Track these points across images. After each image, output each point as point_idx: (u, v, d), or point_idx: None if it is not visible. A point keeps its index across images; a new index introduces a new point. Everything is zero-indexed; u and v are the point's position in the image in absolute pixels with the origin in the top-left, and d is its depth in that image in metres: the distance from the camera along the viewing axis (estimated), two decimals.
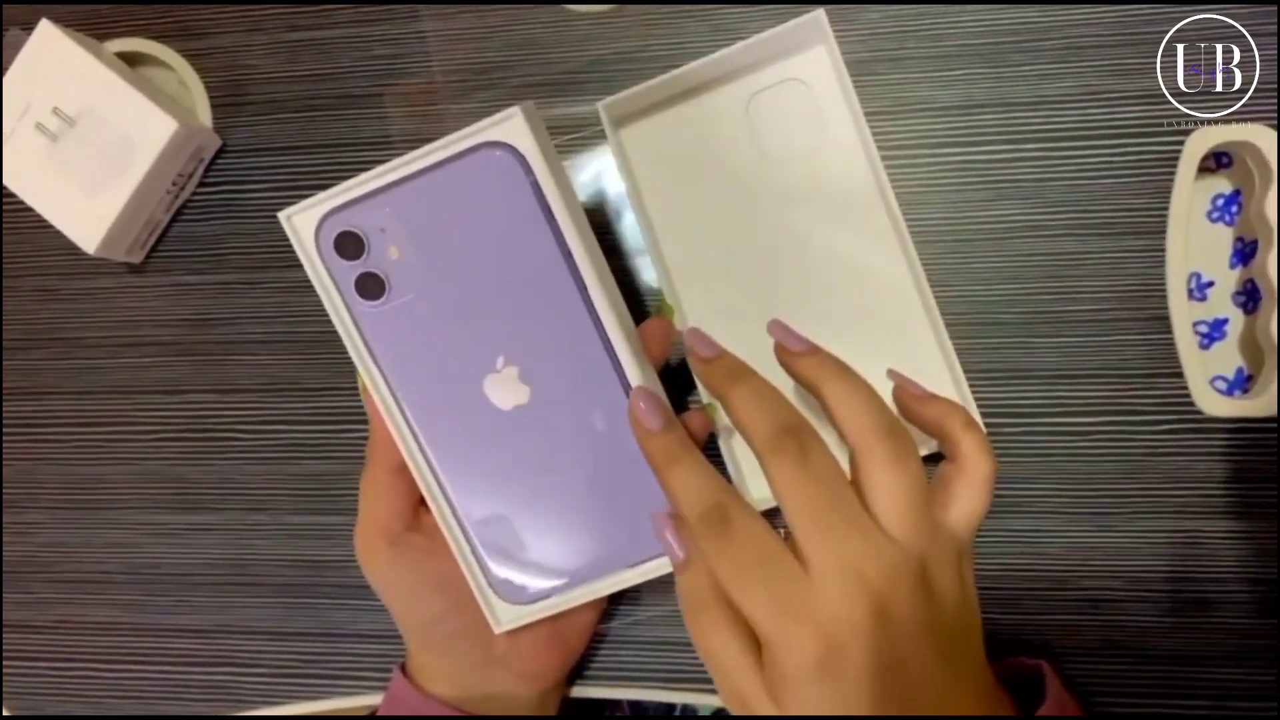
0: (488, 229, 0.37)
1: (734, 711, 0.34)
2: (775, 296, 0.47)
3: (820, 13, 0.45)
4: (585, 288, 0.37)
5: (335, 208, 0.37)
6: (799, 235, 0.47)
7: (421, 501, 0.42)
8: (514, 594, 0.40)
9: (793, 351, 0.37)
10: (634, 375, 0.38)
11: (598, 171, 0.50)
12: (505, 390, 0.38)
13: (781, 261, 0.47)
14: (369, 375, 0.40)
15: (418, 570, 0.42)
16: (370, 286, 0.38)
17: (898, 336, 0.46)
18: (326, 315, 0.48)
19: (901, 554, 0.33)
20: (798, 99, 0.47)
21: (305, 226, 0.39)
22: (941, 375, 0.46)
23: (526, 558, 0.40)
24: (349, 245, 0.37)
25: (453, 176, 0.37)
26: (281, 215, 0.39)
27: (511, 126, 0.37)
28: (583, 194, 0.50)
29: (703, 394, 0.45)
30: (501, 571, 0.40)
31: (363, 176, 0.38)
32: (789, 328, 0.38)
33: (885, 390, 0.38)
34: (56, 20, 0.50)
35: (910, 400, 0.39)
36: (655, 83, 0.46)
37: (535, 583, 0.40)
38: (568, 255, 0.37)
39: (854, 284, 0.47)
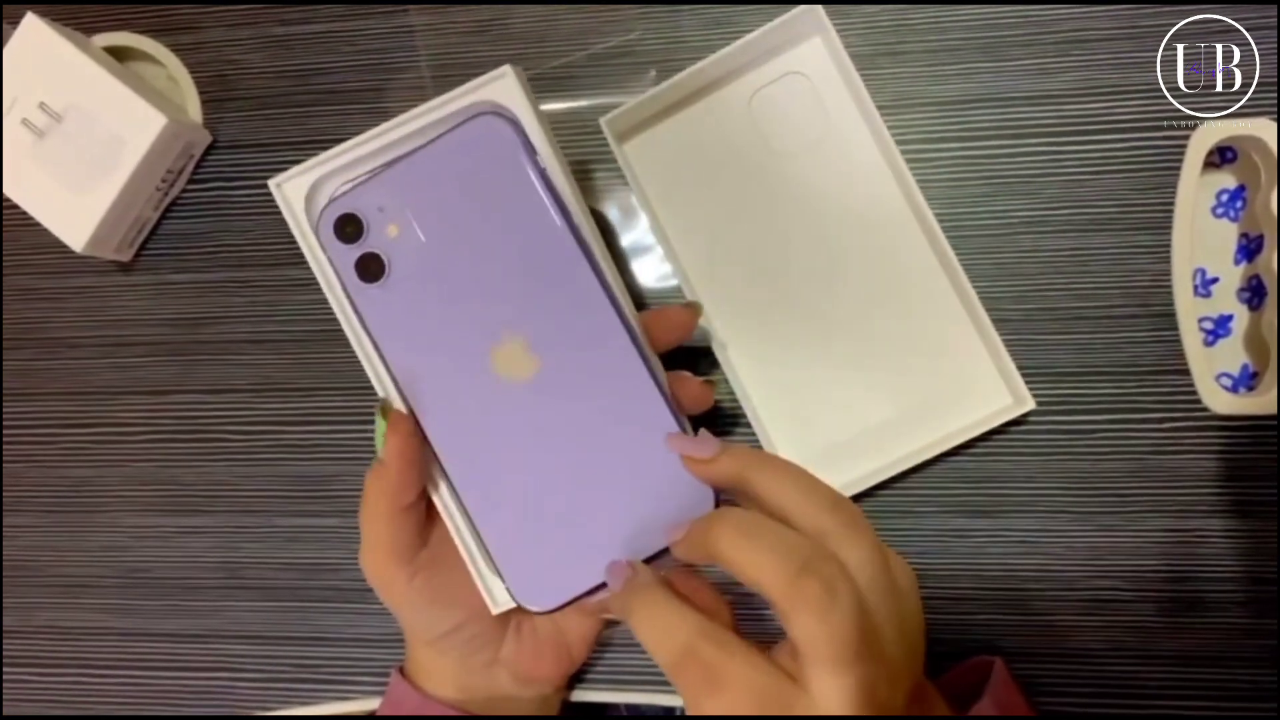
0: (486, 199, 0.36)
1: None
2: (799, 292, 0.47)
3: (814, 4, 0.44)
4: (589, 250, 0.36)
5: (334, 196, 0.37)
6: (816, 228, 0.47)
7: (429, 513, 0.40)
8: (529, 598, 0.38)
9: (705, 459, 0.35)
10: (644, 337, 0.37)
11: (597, 167, 0.49)
12: (514, 364, 0.37)
13: (801, 256, 0.47)
14: (367, 359, 0.39)
15: (434, 587, 0.40)
16: (371, 267, 0.37)
17: (925, 319, 0.46)
18: (318, 314, 0.47)
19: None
20: (800, 92, 0.46)
21: (295, 195, 0.39)
22: (977, 354, 0.45)
23: (544, 543, 0.37)
24: (348, 228, 0.37)
25: (448, 149, 0.36)
26: (271, 183, 0.39)
27: (502, 86, 0.37)
28: (585, 193, 0.49)
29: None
30: (519, 563, 0.38)
31: (352, 141, 0.38)
32: (686, 436, 0.36)
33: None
34: (43, 14, 0.49)
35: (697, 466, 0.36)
36: (655, 92, 0.45)
37: (559, 572, 0.37)
38: (567, 218, 0.36)
39: (876, 270, 0.46)
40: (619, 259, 0.48)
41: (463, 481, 0.37)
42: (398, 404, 0.38)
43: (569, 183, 0.38)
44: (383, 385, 0.39)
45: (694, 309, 0.41)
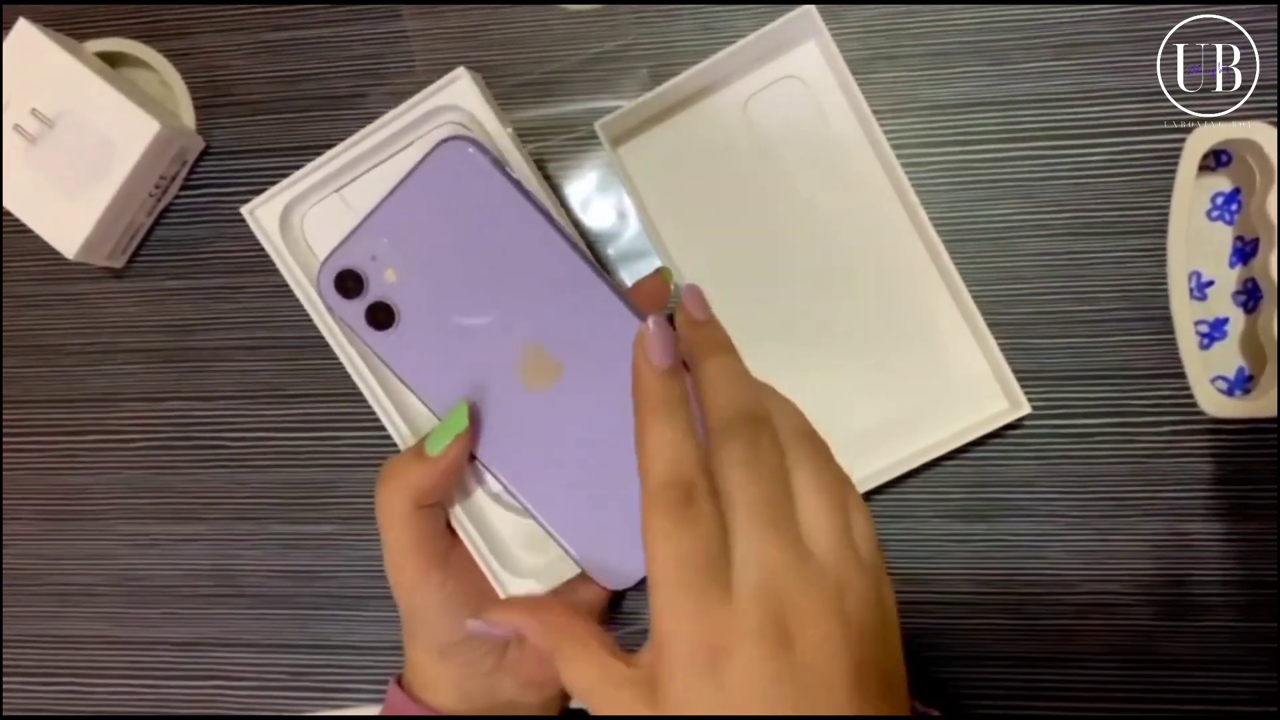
0: (469, 222, 0.37)
1: (596, 707, 0.32)
2: (793, 295, 0.47)
3: (810, 7, 0.44)
4: (576, 244, 0.37)
5: (325, 257, 0.37)
6: (811, 232, 0.46)
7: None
8: (612, 579, 0.39)
9: (700, 320, 0.35)
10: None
11: (591, 172, 0.49)
12: (539, 373, 0.37)
13: (796, 260, 0.47)
14: (379, 404, 0.41)
15: (464, 587, 0.40)
16: (380, 316, 0.37)
17: (921, 323, 0.46)
18: (311, 320, 0.48)
19: (820, 573, 0.31)
20: (795, 96, 0.46)
21: (269, 219, 0.41)
22: (973, 358, 0.45)
23: (614, 528, 0.38)
24: (348, 283, 0.37)
25: (421, 184, 0.36)
26: (244, 210, 0.41)
27: (458, 89, 0.39)
28: (580, 197, 0.49)
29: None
30: (596, 552, 0.38)
31: (319, 160, 0.40)
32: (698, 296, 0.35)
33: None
34: (35, 20, 0.49)
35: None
36: (650, 96, 0.45)
37: (627, 561, 0.38)
38: (550, 219, 0.37)
39: (871, 274, 0.46)
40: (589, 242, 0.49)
41: (525, 492, 0.38)
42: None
43: (536, 179, 0.39)
44: (396, 427, 0.41)
45: (663, 275, 0.41)
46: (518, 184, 0.36)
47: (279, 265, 0.41)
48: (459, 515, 0.41)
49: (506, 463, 0.38)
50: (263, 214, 0.41)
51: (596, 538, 0.38)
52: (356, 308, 0.37)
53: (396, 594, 0.41)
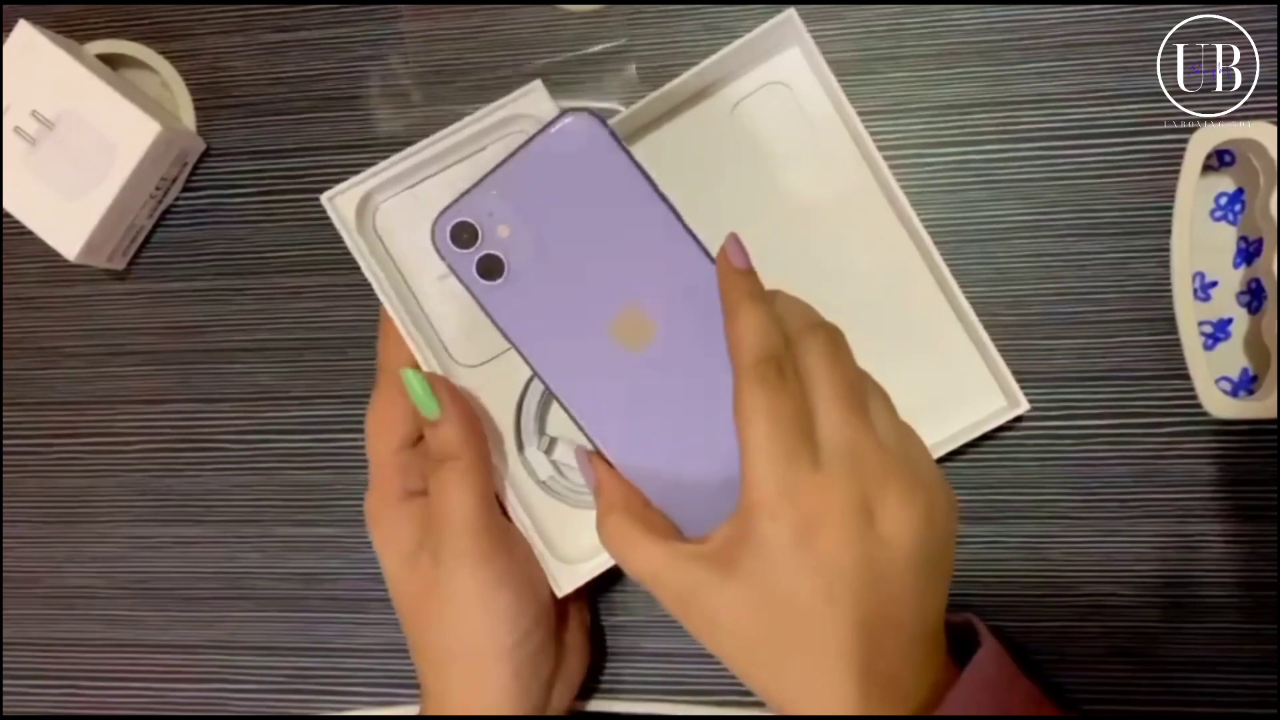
0: (585, 188, 0.39)
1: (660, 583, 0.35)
2: None
3: (791, 11, 0.44)
4: (681, 219, 0.39)
5: (444, 208, 0.39)
6: (801, 238, 0.46)
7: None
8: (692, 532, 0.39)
9: (741, 268, 0.37)
10: None
11: None
12: (634, 332, 0.39)
13: (787, 266, 0.46)
14: (410, 340, 0.42)
15: (519, 574, 0.40)
16: (490, 267, 0.39)
17: (914, 325, 0.46)
18: (314, 321, 0.48)
19: (896, 462, 0.34)
20: (782, 102, 0.46)
21: (346, 207, 0.43)
22: (969, 358, 0.45)
23: (703, 483, 0.39)
24: (463, 234, 0.39)
25: (543, 148, 0.39)
26: (324, 198, 0.43)
27: (534, 99, 0.43)
28: None
29: None
30: (686, 510, 0.39)
31: (397, 156, 0.43)
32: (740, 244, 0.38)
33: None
34: (35, 21, 0.49)
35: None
36: (639, 106, 0.45)
37: (708, 515, 0.38)
38: (659, 191, 0.39)
39: (862, 278, 0.46)
40: None
41: (616, 452, 0.39)
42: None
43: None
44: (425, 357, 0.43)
45: None
46: (633, 158, 0.39)
47: (354, 252, 0.43)
48: (510, 497, 0.42)
49: (594, 416, 0.39)
50: (341, 202, 0.43)
51: (678, 492, 0.39)
52: (469, 257, 0.39)
53: (431, 603, 0.40)
